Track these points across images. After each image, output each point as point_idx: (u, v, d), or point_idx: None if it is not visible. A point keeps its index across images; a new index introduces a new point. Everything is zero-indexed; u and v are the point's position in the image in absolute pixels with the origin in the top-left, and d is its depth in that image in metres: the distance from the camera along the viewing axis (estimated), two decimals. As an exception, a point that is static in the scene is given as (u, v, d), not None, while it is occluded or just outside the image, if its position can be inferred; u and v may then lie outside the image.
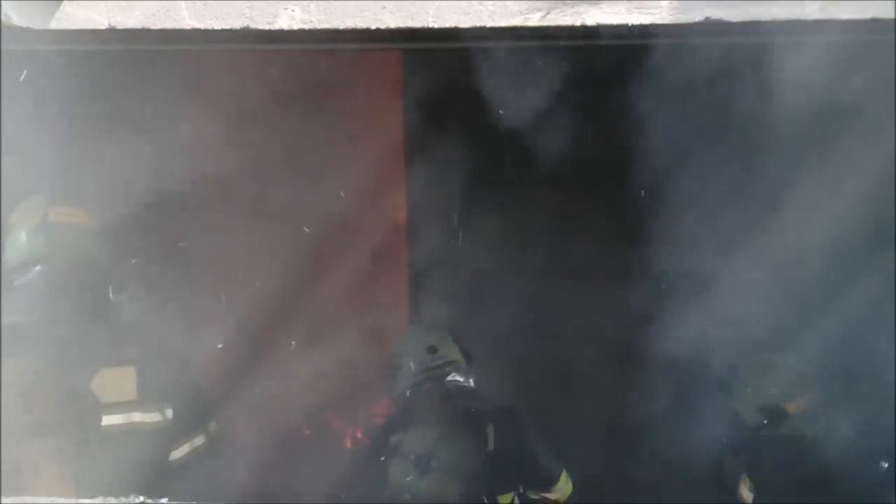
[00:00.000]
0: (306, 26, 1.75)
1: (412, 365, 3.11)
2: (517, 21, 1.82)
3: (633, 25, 1.86)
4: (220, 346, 3.19)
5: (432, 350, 3.19)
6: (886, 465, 2.67)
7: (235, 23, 1.76)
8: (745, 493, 2.76)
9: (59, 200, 2.71)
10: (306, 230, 3.57)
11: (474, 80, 3.00)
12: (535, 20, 1.80)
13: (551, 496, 3.15)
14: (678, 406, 3.15)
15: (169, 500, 1.95)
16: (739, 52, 2.00)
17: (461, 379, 3.13)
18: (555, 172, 3.65)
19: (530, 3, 1.79)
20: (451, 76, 3.26)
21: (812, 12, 1.90)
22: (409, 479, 2.96)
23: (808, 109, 2.38)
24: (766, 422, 2.86)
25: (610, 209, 3.80)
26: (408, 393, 3.10)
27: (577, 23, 1.79)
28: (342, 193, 3.61)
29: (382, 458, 3.01)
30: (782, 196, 3.11)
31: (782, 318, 3.08)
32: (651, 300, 3.32)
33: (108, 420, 2.68)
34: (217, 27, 1.76)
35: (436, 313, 3.89)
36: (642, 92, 2.92)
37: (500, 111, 3.13)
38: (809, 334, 2.96)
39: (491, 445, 2.96)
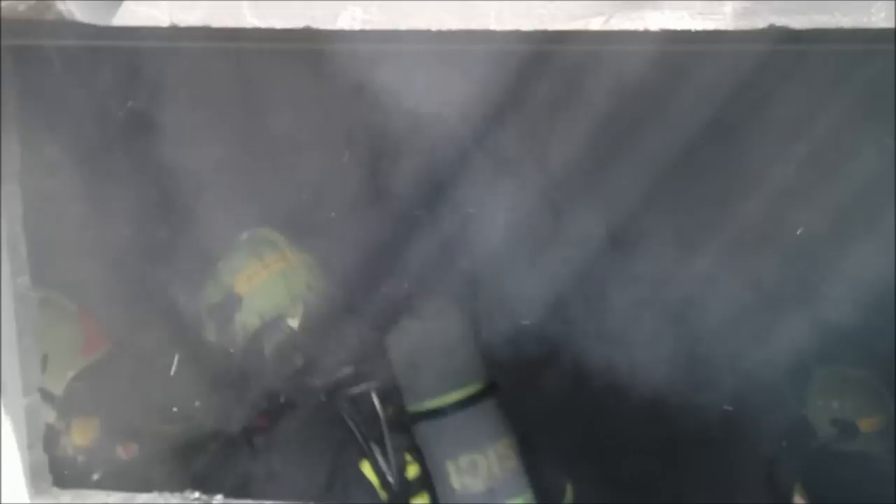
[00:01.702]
0: (367, 27, 1.74)
1: None
2: (578, 25, 1.80)
3: (696, 31, 1.83)
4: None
5: None
6: None
7: (297, 22, 1.76)
8: (798, 500, 2.71)
9: None
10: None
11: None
12: (596, 24, 1.78)
13: None
14: (748, 399, 3.07)
15: (224, 498, 1.96)
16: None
17: None
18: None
19: (593, 6, 1.77)
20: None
21: (879, 21, 1.86)
22: None
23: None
24: (835, 436, 2.80)
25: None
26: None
27: (640, 28, 1.77)
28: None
29: None
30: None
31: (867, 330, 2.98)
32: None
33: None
34: (278, 26, 1.75)
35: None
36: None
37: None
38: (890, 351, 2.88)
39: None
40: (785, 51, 1.93)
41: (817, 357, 3.05)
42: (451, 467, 2.68)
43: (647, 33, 1.77)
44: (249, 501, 2.02)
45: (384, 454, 2.77)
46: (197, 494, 2.00)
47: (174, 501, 2.03)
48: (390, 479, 2.74)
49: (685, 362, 3.47)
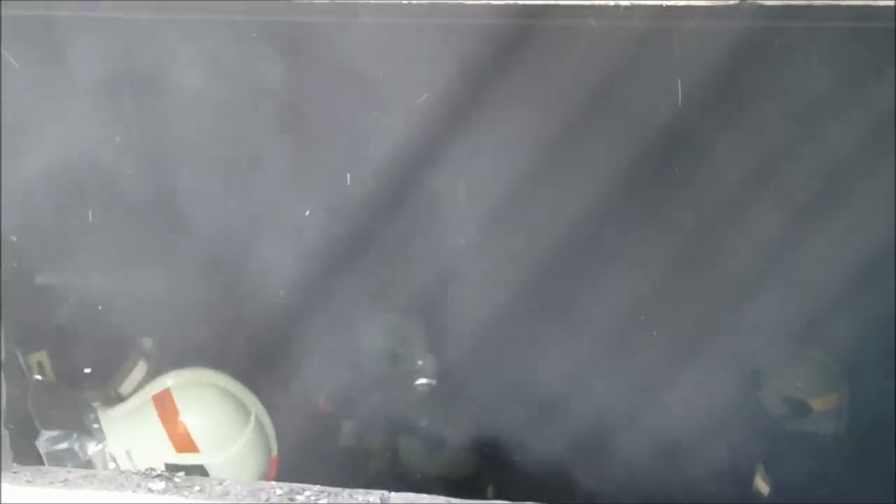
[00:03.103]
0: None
1: (377, 370, 3.08)
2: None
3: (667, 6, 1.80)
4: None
5: (396, 356, 3.14)
6: None
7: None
8: (761, 483, 2.73)
9: None
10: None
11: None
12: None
13: None
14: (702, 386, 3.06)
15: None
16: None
17: (425, 381, 3.10)
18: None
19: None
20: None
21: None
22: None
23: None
24: (787, 415, 2.82)
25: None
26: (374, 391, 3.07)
27: (610, 3, 1.74)
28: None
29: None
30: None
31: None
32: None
33: None
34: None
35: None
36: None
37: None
38: (843, 331, 2.88)
39: None
40: (757, 27, 1.90)
41: (769, 337, 3.05)
42: None
43: (617, 8, 1.74)
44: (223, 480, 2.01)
45: None
46: (158, 471, 1.99)
47: (135, 477, 2.02)
48: None
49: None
